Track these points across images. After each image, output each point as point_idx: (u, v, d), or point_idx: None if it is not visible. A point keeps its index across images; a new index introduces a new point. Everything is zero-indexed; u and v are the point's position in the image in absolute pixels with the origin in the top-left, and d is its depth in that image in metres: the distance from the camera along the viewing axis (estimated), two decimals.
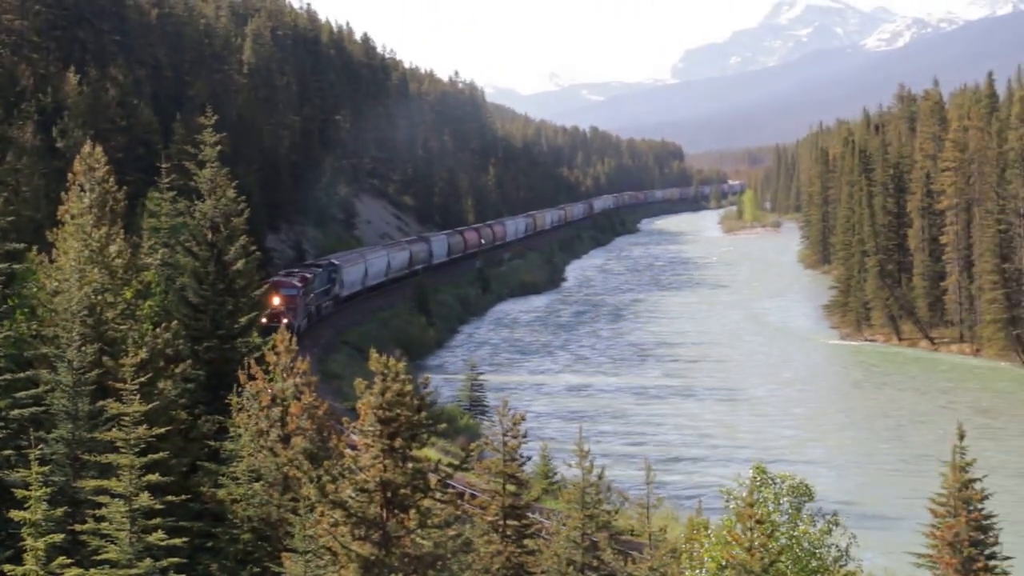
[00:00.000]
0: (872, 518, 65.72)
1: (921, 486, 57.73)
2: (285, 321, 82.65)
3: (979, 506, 26.89)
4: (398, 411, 31.26)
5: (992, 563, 32.38)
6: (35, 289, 40.37)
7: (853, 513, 50.04)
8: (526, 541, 38.63)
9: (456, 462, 33.97)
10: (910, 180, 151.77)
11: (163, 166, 54.63)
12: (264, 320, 66.48)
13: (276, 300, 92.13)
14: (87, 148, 47.89)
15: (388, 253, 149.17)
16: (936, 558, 27.60)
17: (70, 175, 47.71)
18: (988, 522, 31.41)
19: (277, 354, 38.08)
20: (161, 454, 30.20)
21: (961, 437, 26.77)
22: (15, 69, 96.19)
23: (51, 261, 42.53)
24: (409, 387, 31.67)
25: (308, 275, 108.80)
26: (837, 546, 30.88)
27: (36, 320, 38.59)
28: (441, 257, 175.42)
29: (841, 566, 30.84)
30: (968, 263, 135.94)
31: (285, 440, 36.18)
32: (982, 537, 28.32)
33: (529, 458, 42.24)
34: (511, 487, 38.20)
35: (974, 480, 26.62)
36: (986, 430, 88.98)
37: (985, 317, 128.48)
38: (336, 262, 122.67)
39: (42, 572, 24.31)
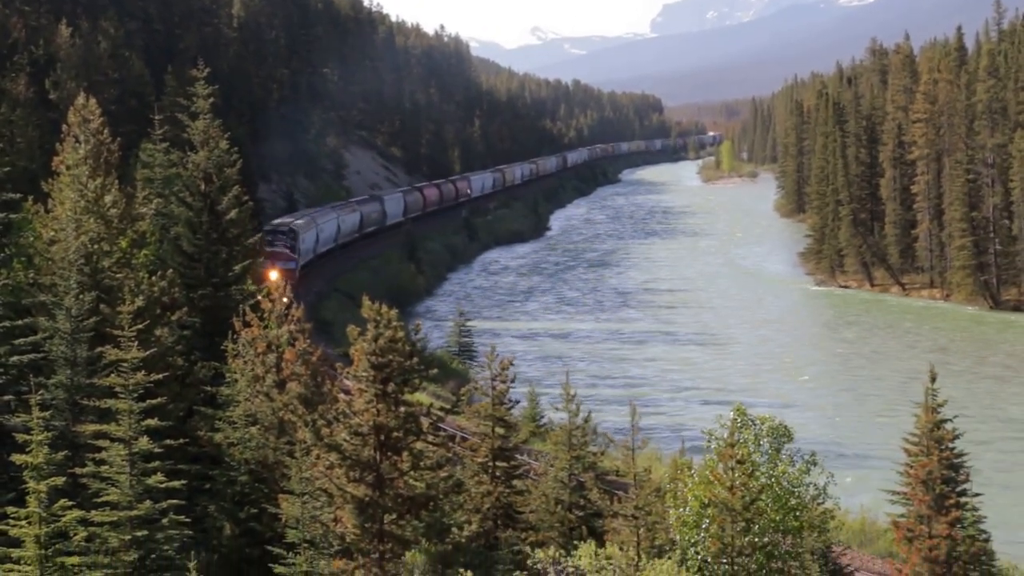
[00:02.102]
0: (848, 457, 66.86)
1: (894, 425, 58.97)
2: (285, 299, 77.27)
3: (950, 445, 27.77)
4: (390, 357, 32.01)
5: (963, 499, 33.32)
6: (32, 238, 40.84)
7: (830, 453, 51.00)
8: (515, 482, 39.46)
9: (447, 406, 34.79)
10: (882, 131, 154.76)
11: (156, 118, 55.01)
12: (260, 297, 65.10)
13: (273, 275, 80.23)
14: (81, 100, 48.37)
15: (338, 216, 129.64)
16: (910, 495, 28.47)
17: (64, 126, 48.23)
18: (959, 460, 32.36)
19: (272, 301, 38.80)
20: (159, 399, 30.67)
21: (933, 379, 27.61)
22: (7, 21, 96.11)
23: (47, 211, 43.07)
24: (401, 334, 32.41)
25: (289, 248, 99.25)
26: (815, 484, 31.71)
27: (33, 269, 39.05)
28: (396, 217, 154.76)
29: (819, 504, 31.66)
30: (938, 211, 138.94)
31: (280, 385, 36.88)
32: (953, 475, 29.24)
33: (517, 402, 42.99)
34: (500, 430, 38.98)
35: (945, 420, 27.49)
36: (952, 371, 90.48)
37: (954, 263, 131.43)
38: (296, 228, 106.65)
39: (44, 514, 24.81)
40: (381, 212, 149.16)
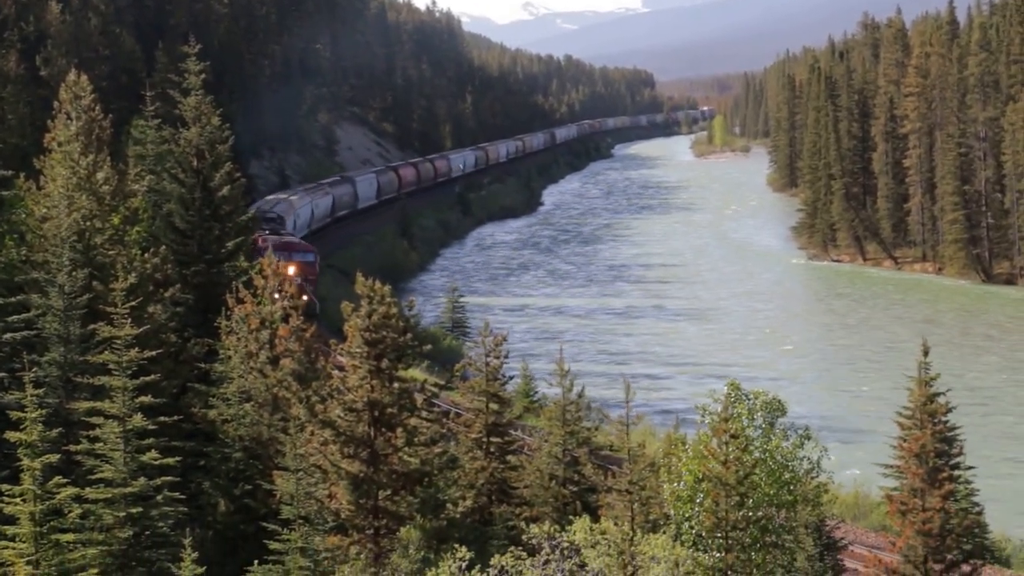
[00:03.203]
0: (841, 431, 67.04)
1: (888, 398, 59.19)
2: (305, 297, 67.69)
3: (943, 419, 27.84)
4: (384, 333, 32.06)
5: (956, 472, 33.45)
6: (24, 216, 40.73)
7: (824, 427, 51.15)
8: (509, 457, 39.54)
9: (441, 382, 34.85)
10: (874, 105, 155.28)
11: (147, 94, 54.85)
12: (277, 295, 57.95)
13: (291, 269, 70.16)
14: (72, 76, 48.20)
15: (312, 200, 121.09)
16: (903, 468, 28.52)
17: (56, 103, 48.04)
18: (952, 434, 32.46)
19: (264, 278, 38.79)
20: (152, 376, 30.66)
21: (925, 353, 27.67)
22: None
23: (39, 188, 42.97)
24: (395, 310, 32.45)
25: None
26: (809, 458, 31.77)
27: (26, 246, 38.96)
28: (369, 200, 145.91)
29: (813, 477, 31.75)
30: (930, 185, 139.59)
31: (274, 362, 36.90)
32: (947, 448, 29.34)
33: (511, 377, 43.03)
34: (494, 405, 39.03)
35: (938, 394, 27.56)
36: (933, 342, 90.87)
37: (946, 237, 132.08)
38: (281, 214, 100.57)
39: (39, 491, 24.82)
40: (352, 195, 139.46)
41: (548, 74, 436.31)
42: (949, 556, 27.57)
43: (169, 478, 29.19)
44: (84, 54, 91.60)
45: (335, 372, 36.82)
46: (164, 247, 42.82)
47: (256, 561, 28.65)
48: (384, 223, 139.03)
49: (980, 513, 42.19)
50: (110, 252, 39.22)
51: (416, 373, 46.54)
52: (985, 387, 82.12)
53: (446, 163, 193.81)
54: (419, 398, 33.40)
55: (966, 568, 28.22)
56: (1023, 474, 63.68)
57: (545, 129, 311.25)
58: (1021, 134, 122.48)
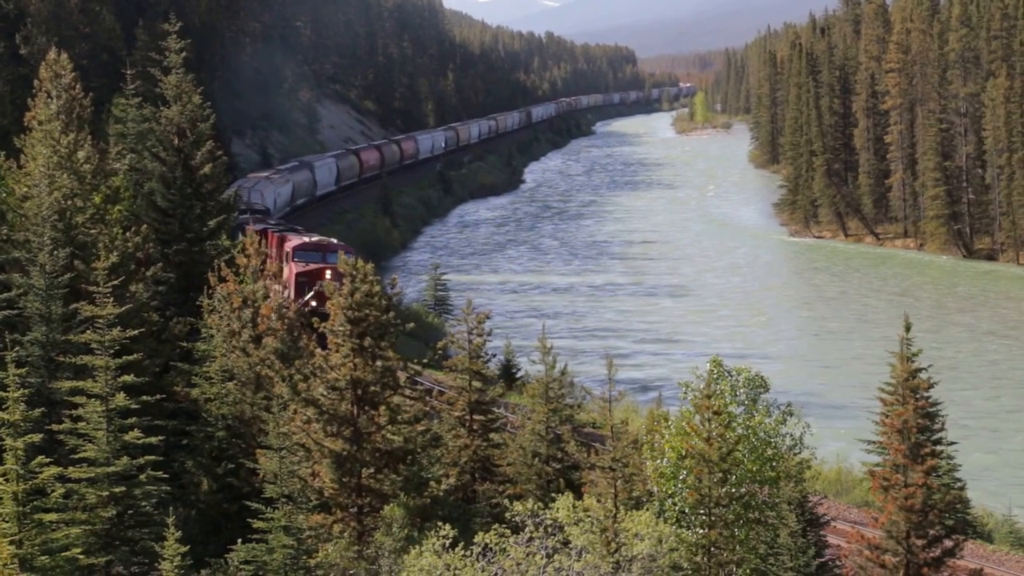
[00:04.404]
0: (824, 407, 67.16)
1: (871, 373, 59.43)
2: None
3: (925, 394, 27.92)
4: (367, 311, 32.03)
5: (938, 448, 33.54)
6: (4, 195, 40.64)
7: (806, 403, 51.26)
8: (492, 435, 39.51)
9: (424, 360, 34.83)
10: (855, 81, 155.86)
11: (128, 72, 54.67)
12: (314, 303, 55.30)
13: (328, 273, 58.66)
14: (52, 55, 47.96)
15: (274, 188, 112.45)
16: (886, 444, 28.61)
17: (36, 82, 47.83)
18: (934, 409, 32.54)
19: (247, 256, 38.72)
20: (135, 355, 30.64)
21: (907, 328, 27.73)
22: None
23: (19, 167, 42.79)
24: (377, 288, 32.42)
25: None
26: (791, 435, 31.84)
27: (6, 225, 38.90)
28: (328, 186, 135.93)
29: (795, 454, 31.83)
30: (912, 161, 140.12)
31: (257, 340, 36.85)
32: (929, 424, 29.43)
33: (494, 355, 42.98)
34: (477, 383, 39.02)
35: (920, 369, 27.64)
36: (929, 320, 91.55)
37: (928, 213, 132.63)
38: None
39: (22, 471, 24.80)
40: (311, 182, 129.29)
41: (530, 51, 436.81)
42: (931, 531, 27.68)
43: (152, 457, 29.21)
44: (64, 32, 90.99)
45: (318, 350, 36.75)
46: (146, 226, 42.70)
47: (239, 540, 28.68)
48: (365, 201, 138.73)
49: (962, 488, 42.37)
50: (91, 231, 39.13)
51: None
52: (965, 361, 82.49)
53: (413, 145, 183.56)
54: (402, 376, 33.40)
55: (948, 543, 28.33)
56: (1005, 449, 63.92)
57: (522, 108, 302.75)
58: (1001, 110, 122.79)
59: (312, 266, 61.49)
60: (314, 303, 56.17)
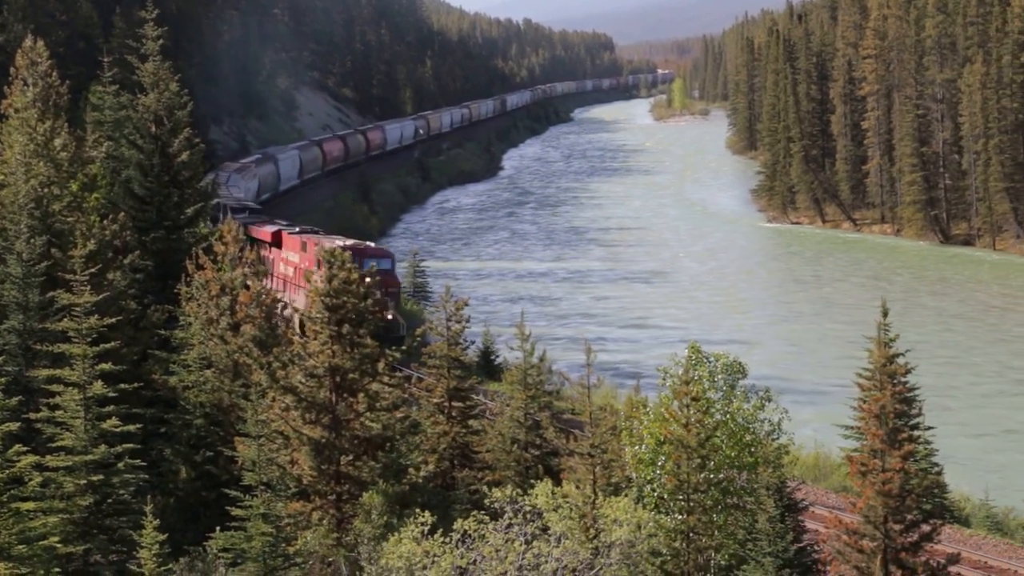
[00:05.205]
0: (802, 393, 67.26)
1: (847, 356, 59.61)
2: (389, 316, 57.21)
3: (903, 380, 27.98)
4: (345, 298, 31.99)
5: (916, 433, 33.62)
6: None
7: (783, 387, 51.29)
8: (471, 422, 39.60)
9: (403, 347, 34.81)
10: (832, 68, 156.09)
11: (105, 60, 54.48)
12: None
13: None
14: (29, 42, 47.80)
15: (244, 183, 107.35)
16: (863, 429, 28.63)
17: (12, 69, 47.69)
18: (911, 395, 32.61)
19: (225, 244, 38.65)
20: (112, 343, 30.58)
21: (885, 314, 27.75)
22: None
23: None
24: (355, 275, 32.38)
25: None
26: (770, 420, 31.90)
27: None
28: (291, 180, 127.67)
29: (774, 439, 31.89)
30: (889, 147, 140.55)
31: (235, 328, 36.82)
32: (906, 409, 29.46)
33: (472, 342, 42.97)
34: (455, 370, 39.06)
35: (898, 355, 27.68)
36: (875, 298, 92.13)
37: (905, 199, 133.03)
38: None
39: None
40: (275, 175, 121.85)
41: (507, 38, 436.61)
42: (909, 516, 27.70)
43: (130, 445, 29.16)
44: (41, 19, 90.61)
45: (296, 338, 36.71)
46: (123, 213, 42.62)
47: (218, 528, 28.66)
48: (343, 189, 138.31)
49: (940, 473, 42.50)
50: (68, 219, 39.05)
51: None
52: (946, 346, 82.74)
53: (381, 135, 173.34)
54: (381, 363, 33.37)
55: (926, 528, 28.38)
56: (982, 434, 64.14)
57: (497, 96, 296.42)
58: (978, 96, 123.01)
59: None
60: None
